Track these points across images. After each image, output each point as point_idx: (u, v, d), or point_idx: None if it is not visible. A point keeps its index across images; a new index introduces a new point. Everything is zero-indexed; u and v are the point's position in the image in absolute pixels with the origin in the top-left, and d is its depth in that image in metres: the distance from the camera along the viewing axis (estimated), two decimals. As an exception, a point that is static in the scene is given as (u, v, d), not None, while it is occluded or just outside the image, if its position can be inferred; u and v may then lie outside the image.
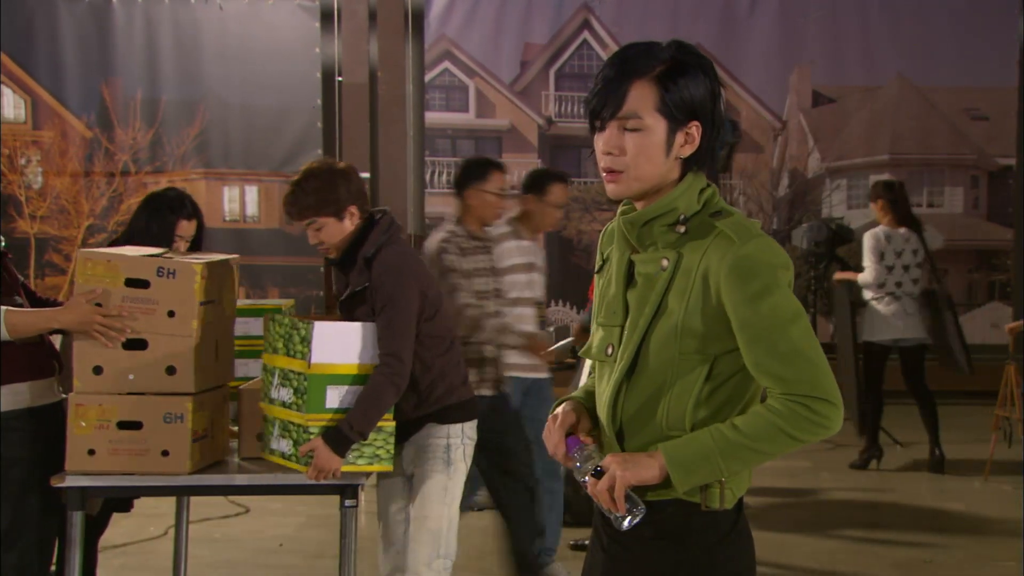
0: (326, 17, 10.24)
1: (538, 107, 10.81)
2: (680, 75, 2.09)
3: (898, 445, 8.28)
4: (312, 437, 3.33)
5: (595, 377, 2.28)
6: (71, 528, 3.43)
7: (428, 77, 10.64)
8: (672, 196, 2.12)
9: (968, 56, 10.44)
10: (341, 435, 3.39)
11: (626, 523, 2.04)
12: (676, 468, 2.03)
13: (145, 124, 10.14)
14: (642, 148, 2.09)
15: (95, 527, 4.05)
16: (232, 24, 10.11)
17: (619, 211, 2.22)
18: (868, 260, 7.72)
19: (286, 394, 3.24)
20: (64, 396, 3.61)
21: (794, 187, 10.78)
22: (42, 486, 3.46)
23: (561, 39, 10.76)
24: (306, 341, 3.24)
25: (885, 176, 10.68)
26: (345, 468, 3.46)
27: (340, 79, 10.22)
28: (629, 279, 2.17)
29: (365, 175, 10.27)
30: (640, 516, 2.03)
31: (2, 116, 10.10)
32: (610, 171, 2.12)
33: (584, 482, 2.09)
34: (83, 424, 3.32)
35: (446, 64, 10.72)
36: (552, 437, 2.18)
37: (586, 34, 10.73)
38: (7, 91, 10.08)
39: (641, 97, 2.09)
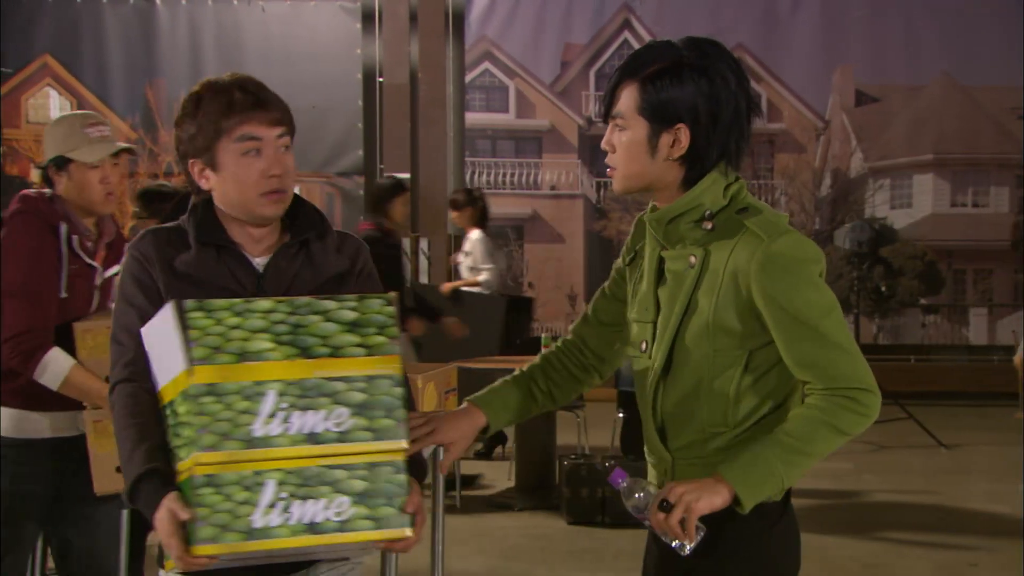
0: (367, 18, 10.29)
1: (578, 107, 10.81)
2: (667, 77, 2.10)
3: (942, 447, 8.20)
4: (403, 478, 1.98)
5: (632, 370, 2.28)
6: (119, 526, 3.46)
7: (468, 78, 10.67)
8: (695, 193, 2.12)
9: (1013, 55, 10.33)
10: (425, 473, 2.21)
11: (688, 548, 2.02)
12: (745, 491, 2.03)
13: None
14: (626, 147, 2.13)
15: (142, 525, 4.08)
16: (274, 26, 10.19)
17: (649, 207, 2.24)
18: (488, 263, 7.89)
19: (318, 420, 1.94)
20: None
21: (836, 187, 10.70)
22: (24, 523, 3.24)
23: (602, 39, 10.75)
24: (387, 327, 2.00)
25: (930, 176, 10.60)
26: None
27: (381, 80, 10.26)
28: (659, 276, 2.18)
29: (405, 175, 10.32)
30: (702, 535, 2.01)
31: (49, 118, 10.23)
32: (609, 167, 2.18)
33: (639, 515, 2.06)
34: (105, 443, 3.14)
35: (486, 65, 10.74)
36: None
37: (627, 34, 10.72)
38: (53, 93, 10.21)
39: (627, 98, 2.12)
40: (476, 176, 10.71)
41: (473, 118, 10.68)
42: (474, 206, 7.99)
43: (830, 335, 2.04)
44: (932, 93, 10.64)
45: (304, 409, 1.92)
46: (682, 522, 2.00)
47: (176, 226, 2.21)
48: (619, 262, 2.33)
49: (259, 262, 2.20)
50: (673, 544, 2.03)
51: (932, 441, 8.25)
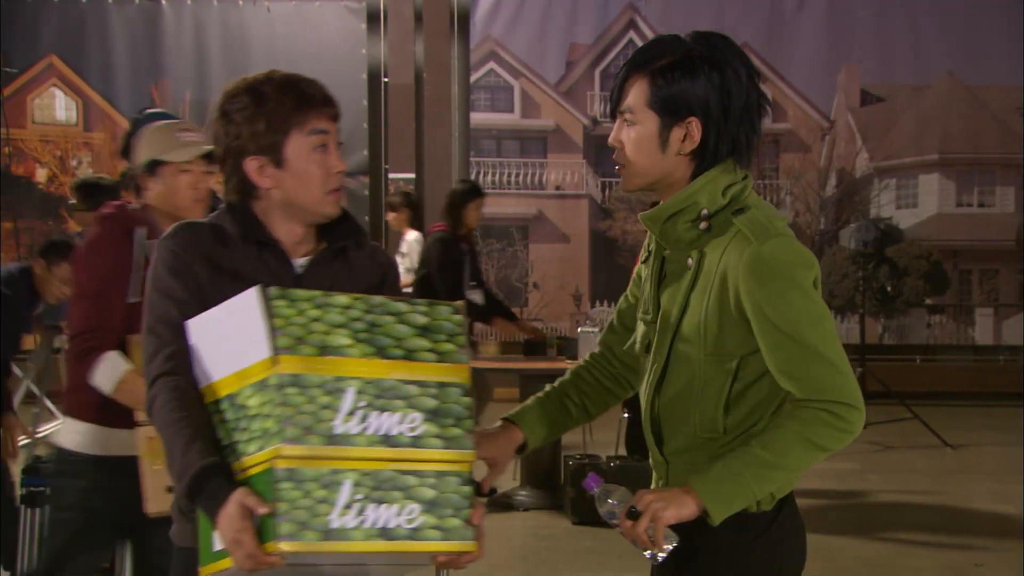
0: (372, 18, 10.28)
1: (583, 107, 10.79)
2: (679, 70, 2.05)
3: (948, 447, 8.19)
4: (469, 490, 1.96)
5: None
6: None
7: (473, 78, 10.66)
8: (689, 191, 2.07)
9: (1019, 54, 10.30)
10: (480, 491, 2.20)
11: (661, 557, 1.99)
12: (713, 504, 1.99)
13: (195, 125, 10.22)
14: (635, 143, 2.08)
15: None
16: (279, 26, 10.19)
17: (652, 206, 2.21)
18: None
19: (393, 422, 1.89)
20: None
21: (842, 187, 10.69)
22: (90, 540, 3.20)
23: (607, 39, 10.74)
24: (456, 335, 1.98)
25: (935, 175, 10.58)
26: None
27: (386, 80, 10.26)
28: (661, 276, 2.15)
29: (410, 175, 10.32)
30: (674, 545, 1.99)
31: (54, 118, 10.24)
32: (618, 165, 2.14)
33: (612, 521, 2.04)
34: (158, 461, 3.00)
35: (491, 65, 10.74)
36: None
37: (632, 34, 10.70)
38: (59, 94, 10.22)
39: (636, 92, 2.08)
40: (481, 176, 10.71)
41: (478, 118, 10.67)
42: (411, 208, 8.17)
43: (815, 346, 1.98)
44: (938, 93, 10.62)
45: (381, 410, 1.87)
46: (651, 531, 1.97)
47: (210, 222, 2.15)
48: (639, 264, 2.29)
49: (298, 263, 2.16)
50: (646, 553, 2.00)
51: (937, 441, 8.24)
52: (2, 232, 9.08)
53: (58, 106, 10.23)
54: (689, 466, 2.09)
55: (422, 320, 1.94)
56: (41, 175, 10.24)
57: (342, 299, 1.91)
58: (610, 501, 2.04)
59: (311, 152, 2.10)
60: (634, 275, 2.30)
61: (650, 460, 2.20)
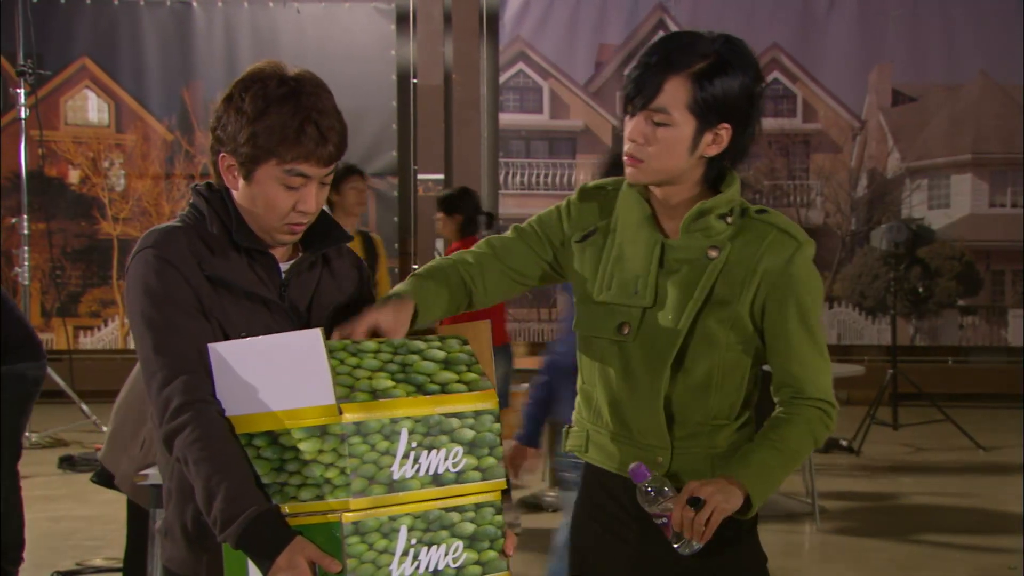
0: (402, 20, 10.31)
1: (612, 108, 10.78)
2: (718, 75, 2.06)
3: (980, 449, 8.13)
4: (502, 519, 1.97)
5: (586, 353, 2.22)
6: (152, 525, 3.50)
7: (502, 79, 10.67)
8: (733, 192, 2.13)
9: (1053, 53, 10.21)
10: None
11: (695, 546, 2.05)
12: (757, 499, 2.08)
13: None
14: (667, 144, 2.08)
15: (143, 519, 4.09)
16: (309, 27, 10.23)
17: (631, 187, 2.20)
18: None
19: (439, 459, 1.87)
20: None
21: (873, 187, 10.62)
22: None
23: (636, 40, 10.72)
24: (474, 364, 1.96)
25: (968, 176, 10.49)
26: None
27: (415, 81, 10.29)
28: (660, 263, 2.14)
29: (439, 176, 10.34)
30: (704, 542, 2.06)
31: (87, 120, 10.32)
32: (632, 157, 2.13)
33: (654, 508, 2.05)
34: None
35: (520, 65, 10.74)
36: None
37: (661, 34, 10.67)
38: (91, 95, 10.30)
39: (674, 93, 2.06)
40: (510, 177, 10.72)
41: (507, 119, 10.68)
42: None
43: (821, 343, 2.14)
44: (970, 92, 10.54)
45: (429, 448, 1.84)
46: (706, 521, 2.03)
47: (190, 225, 2.02)
48: (548, 222, 2.24)
49: (282, 269, 2.06)
50: (677, 544, 2.04)
51: (970, 443, 8.17)
52: (35, 233, 9.15)
53: (90, 108, 10.31)
54: (700, 451, 2.15)
55: (440, 354, 1.92)
56: (74, 176, 10.32)
57: (370, 344, 1.88)
58: (664, 490, 2.06)
59: (280, 185, 1.97)
60: (535, 229, 2.23)
61: (635, 446, 2.17)
